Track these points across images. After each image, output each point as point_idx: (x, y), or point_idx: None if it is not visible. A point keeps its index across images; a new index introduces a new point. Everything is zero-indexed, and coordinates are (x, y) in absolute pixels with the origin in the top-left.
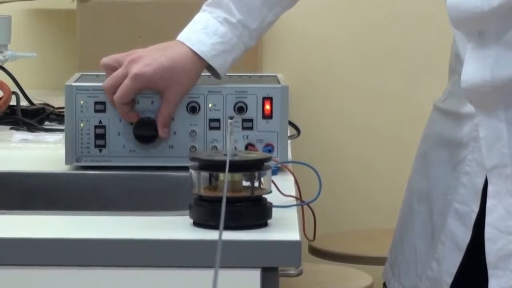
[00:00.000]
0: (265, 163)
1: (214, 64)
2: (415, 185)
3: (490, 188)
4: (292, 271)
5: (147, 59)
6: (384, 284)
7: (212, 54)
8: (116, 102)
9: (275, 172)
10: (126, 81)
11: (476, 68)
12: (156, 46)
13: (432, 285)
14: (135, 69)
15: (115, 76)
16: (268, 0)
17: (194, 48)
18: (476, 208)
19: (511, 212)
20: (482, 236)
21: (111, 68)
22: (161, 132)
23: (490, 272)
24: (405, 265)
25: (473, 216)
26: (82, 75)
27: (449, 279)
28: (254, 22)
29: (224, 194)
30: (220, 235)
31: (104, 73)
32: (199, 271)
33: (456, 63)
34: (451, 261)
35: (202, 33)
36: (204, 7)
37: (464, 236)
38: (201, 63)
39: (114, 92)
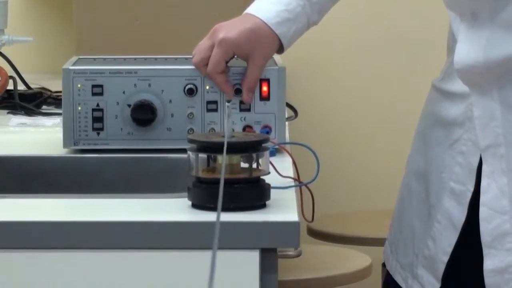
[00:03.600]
0: (263, 145)
1: (277, 31)
2: (413, 164)
3: (484, 167)
4: (291, 252)
5: (229, 26)
6: (383, 264)
7: (276, 21)
8: (210, 74)
9: (273, 153)
10: (215, 50)
11: (469, 48)
12: (232, 20)
13: (428, 263)
14: (220, 35)
15: (202, 49)
16: None
17: (260, 16)
18: (471, 187)
19: (505, 192)
20: (478, 215)
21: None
22: (245, 96)
23: (485, 251)
24: (403, 243)
25: (469, 195)
26: (79, 58)
27: (445, 258)
28: None
29: (222, 175)
30: (218, 217)
31: (102, 56)
32: (198, 253)
33: (453, 43)
34: (446, 240)
35: (267, 2)
36: None
37: (460, 215)
38: (273, 33)
39: (206, 65)
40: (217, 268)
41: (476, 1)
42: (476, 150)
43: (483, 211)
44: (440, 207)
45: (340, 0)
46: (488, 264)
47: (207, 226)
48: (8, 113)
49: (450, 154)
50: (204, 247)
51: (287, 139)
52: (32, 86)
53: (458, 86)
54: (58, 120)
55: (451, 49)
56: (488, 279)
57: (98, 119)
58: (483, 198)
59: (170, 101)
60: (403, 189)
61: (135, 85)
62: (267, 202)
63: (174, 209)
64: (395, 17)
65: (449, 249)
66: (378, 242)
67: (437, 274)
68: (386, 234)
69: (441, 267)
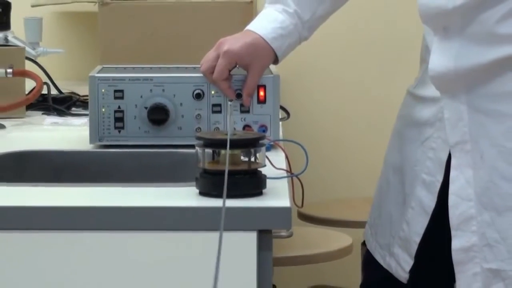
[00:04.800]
0: (260, 141)
1: (273, 45)
2: (390, 159)
3: (453, 161)
4: (284, 233)
5: (232, 40)
6: (363, 243)
7: (272, 37)
8: (215, 81)
9: (268, 148)
10: (220, 60)
11: (441, 58)
12: (234, 35)
13: (403, 244)
14: (225, 48)
15: (209, 59)
16: None
17: (258, 32)
18: (440, 179)
19: (470, 182)
20: (446, 202)
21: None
22: (245, 100)
23: (453, 233)
24: (381, 226)
25: (438, 185)
26: (103, 67)
27: (417, 239)
28: (307, 14)
29: (226, 167)
30: (224, 203)
31: (123, 65)
32: (204, 234)
33: (425, 54)
34: (419, 224)
35: (265, 21)
36: (266, 4)
37: (430, 202)
38: (270, 46)
39: (212, 73)
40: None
41: (447, 18)
42: (445, 147)
43: (451, 199)
44: (414, 195)
45: (327, 19)
46: (456, 243)
47: (212, 210)
48: (42, 114)
49: (422, 150)
50: (210, 228)
51: (281, 136)
52: (63, 91)
53: (430, 91)
54: (85, 120)
55: (424, 60)
56: (455, 257)
57: (119, 119)
58: (451, 188)
59: (181, 104)
60: (381, 180)
61: (151, 90)
62: (263, 191)
63: (184, 196)
64: (375, 33)
65: (421, 231)
66: (358, 224)
67: (410, 252)
68: (365, 218)
69: (414, 247)
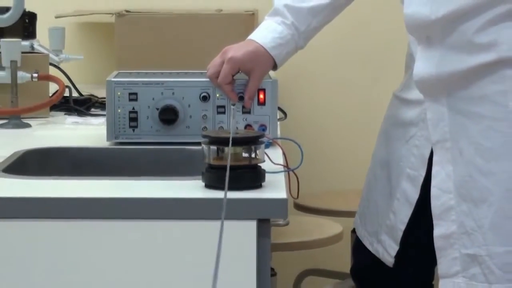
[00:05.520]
0: (259, 139)
1: (272, 53)
2: (378, 156)
3: (435, 157)
4: (281, 222)
5: (235, 48)
6: (353, 231)
7: (271, 45)
8: (220, 85)
9: (267, 146)
10: (224, 66)
11: (424, 65)
12: (237, 44)
13: (390, 231)
14: (229, 55)
15: (214, 65)
16: (312, 9)
17: (259, 41)
18: (423, 173)
19: (450, 176)
20: (428, 194)
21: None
22: (247, 102)
23: (434, 222)
24: (370, 216)
25: (421, 179)
26: (119, 72)
27: (402, 227)
28: (302, 25)
29: (228, 163)
30: (225, 194)
31: (137, 71)
32: (209, 222)
33: (410, 61)
34: (403, 213)
35: (265, 31)
36: (266, 17)
37: (414, 194)
38: (269, 54)
39: (217, 77)
40: (224, 234)
41: (430, 28)
42: (428, 144)
43: (433, 191)
44: (399, 188)
45: (321, 30)
46: (437, 231)
47: (216, 201)
48: (64, 114)
49: (407, 148)
50: (214, 217)
51: (279, 135)
52: (83, 93)
53: (414, 95)
54: (102, 119)
55: (409, 66)
56: (437, 243)
57: (133, 119)
58: (433, 181)
59: (189, 105)
60: (370, 174)
61: (162, 93)
62: (262, 184)
63: (191, 188)
64: (363, 43)
65: (406, 220)
66: (348, 214)
67: (396, 239)
68: (355, 208)
69: (400, 234)
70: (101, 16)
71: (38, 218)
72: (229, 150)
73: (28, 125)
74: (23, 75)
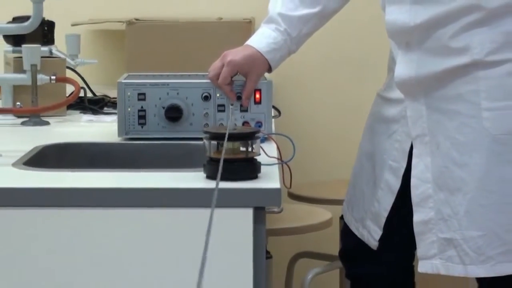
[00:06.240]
0: (255, 135)
1: (267, 57)
2: (363, 149)
3: (414, 151)
4: (275, 209)
5: (234, 52)
6: (341, 217)
7: (267, 50)
8: (220, 85)
9: (262, 141)
10: (224, 69)
11: (404, 68)
12: (236, 48)
13: (374, 217)
14: (228, 58)
15: (215, 68)
16: (303, 18)
17: (256, 46)
18: (404, 165)
19: (429, 167)
20: (409, 184)
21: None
22: (244, 101)
23: (414, 209)
24: (356, 203)
25: (402, 170)
26: (129, 74)
27: (385, 214)
28: (294, 32)
29: (222, 156)
30: (217, 184)
31: (145, 73)
32: (210, 210)
33: (392, 64)
34: (386, 201)
35: (261, 37)
36: (262, 24)
37: (396, 184)
38: (264, 58)
39: (217, 79)
40: (223, 220)
41: (409, 35)
42: (408, 139)
43: (413, 181)
44: (382, 178)
45: (311, 36)
46: (416, 217)
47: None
48: (80, 112)
49: (389, 142)
50: (215, 205)
51: (273, 131)
52: (96, 94)
53: (395, 94)
54: (114, 117)
55: (390, 68)
56: (416, 228)
57: (142, 117)
58: (413, 172)
59: (192, 104)
60: (356, 166)
61: (167, 93)
62: (258, 175)
63: (194, 179)
64: (349, 47)
65: (388, 207)
66: (337, 202)
67: (380, 225)
68: (343, 197)
69: (383, 220)
70: (113, 24)
71: (56, 207)
72: (224, 144)
73: (47, 123)
74: (42, 78)
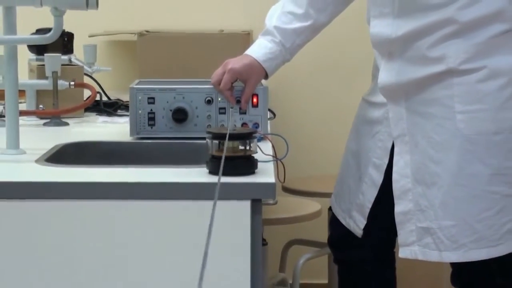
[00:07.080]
0: (253, 135)
1: (264, 65)
2: (350, 147)
3: (395, 149)
4: (271, 201)
5: (234, 61)
6: (330, 208)
7: (263, 59)
8: (221, 91)
9: (259, 140)
10: (225, 75)
11: (387, 74)
12: (236, 57)
13: (359, 208)
14: (229, 66)
15: (217, 74)
16: (296, 30)
17: (254, 56)
18: (386, 161)
19: (408, 164)
20: (390, 179)
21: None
22: (243, 105)
23: (395, 201)
24: (343, 196)
25: (384, 166)
26: (140, 80)
27: (369, 205)
28: (288, 43)
29: (224, 154)
30: (219, 179)
31: (154, 80)
32: (212, 202)
33: (375, 71)
34: (370, 194)
35: (258, 48)
36: (259, 36)
37: (379, 179)
38: (262, 66)
39: (219, 85)
40: (223, 211)
41: (391, 45)
42: (390, 138)
43: (394, 176)
44: (367, 173)
45: (304, 46)
46: (397, 209)
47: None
48: (96, 114)
49: (373, 141)
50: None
51: (269, 131)
52: (111, 98)
53: (379, 98)
54: (127, 119)
55: (374, 75)
56: (397, 218)
57: (151, 119)
58: (394, 168)
59: (196, 107)
60: (343, 163)
61: (174, 97)
62: (255, 170)
63: (197, 175)
64: (338, 56)
65: (372, 199)
66: (326, 195)
67: (364, 215)
68: (331, 190)
69: (367, 211)
70: (126, 35)
71: (74, 199)
72: (225, 143)
73: (67, 124)
74: (62, 83)
